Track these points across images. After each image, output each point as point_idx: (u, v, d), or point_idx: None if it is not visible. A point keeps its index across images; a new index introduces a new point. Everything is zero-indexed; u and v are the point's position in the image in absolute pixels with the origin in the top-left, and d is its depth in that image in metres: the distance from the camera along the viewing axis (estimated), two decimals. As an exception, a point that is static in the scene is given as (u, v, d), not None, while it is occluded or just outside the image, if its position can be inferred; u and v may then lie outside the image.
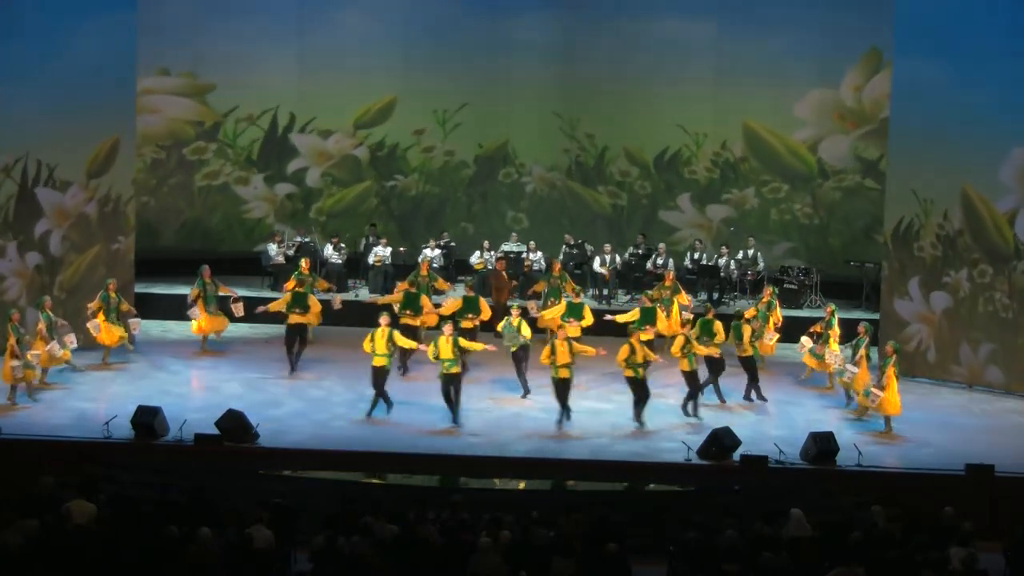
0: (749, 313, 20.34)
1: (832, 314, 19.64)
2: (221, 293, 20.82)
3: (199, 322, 20.76)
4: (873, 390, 17.72)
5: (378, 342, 17.68)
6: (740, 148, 26.69)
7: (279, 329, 20.93)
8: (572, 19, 27.06)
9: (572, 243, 24.57)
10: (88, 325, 19.71)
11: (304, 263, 21.35)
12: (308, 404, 18.34)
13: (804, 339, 19.70)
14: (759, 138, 26.69)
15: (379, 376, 17.77)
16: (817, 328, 19.64)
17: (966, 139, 20.10)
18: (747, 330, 19.09)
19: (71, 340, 19.03)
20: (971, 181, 20.21)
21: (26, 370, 17.76)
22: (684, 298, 21.17)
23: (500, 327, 18.78)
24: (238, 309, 20.99)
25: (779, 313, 20.44)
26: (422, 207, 27.34)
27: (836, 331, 19.47)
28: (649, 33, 26.71)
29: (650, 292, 20.78)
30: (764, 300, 20.46)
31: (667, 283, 21.01)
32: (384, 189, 27.59)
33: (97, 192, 21.25)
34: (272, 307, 20.05)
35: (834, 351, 19.18)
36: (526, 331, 18.55)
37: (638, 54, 26.76)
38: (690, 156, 26.96)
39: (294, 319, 19.80)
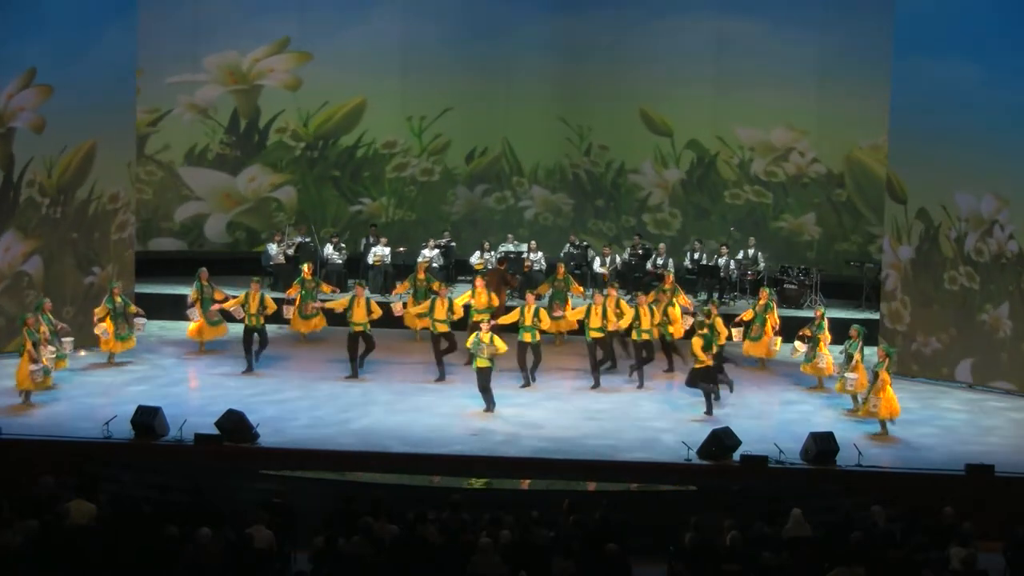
0: (747, 315, 20.45)
1: (822, 317, 19.60)
2: (217, 298, 20.75)
3: (197, 326, 20.74)
4: (847, 375, 18.08)
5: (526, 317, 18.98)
6: (796, 165, 24.96)
7: (278, 330, 21.05)
8: (590, 14, 25.37)
9: (576, 243, 24.53)
10: (96, 331, 19.67)
11: (307, 268, 21.38)
12: (308, 404, 18.32)
13: (797, 343, 19.65)
14: (868, 173, 24.72)
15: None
16: (807, 331, 19.60)
17: (996, 144, 19.14)
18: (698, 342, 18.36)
19: (68, 345, 19.03)
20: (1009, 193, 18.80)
21: (45, 376, 17.76)
22: (684, 299, 21.17)
23: (469, 343, 18.07)
24: (237, 312, 20.88)
25: (776, 315, 20.46)
26: (394, 237, 24.71)
27: (827, 335, 19.42)
28: (679, 30, 25.20)
29: (641, 293, 20.78)
30: (761, 303, 20.50)
31: (667, 285, 21.03)
32: (346, 217, 25.33)
33: (63, 210, 20.15)
34: (228, 305, 20.23)
35: (825, 355, 19.18)
36: (501, 345, 17.92)
37: (662, 54, 25.14)
38: (718, 162, 25.30)
39: (254, 321, 19.87)
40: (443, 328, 19.53)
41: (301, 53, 25.70)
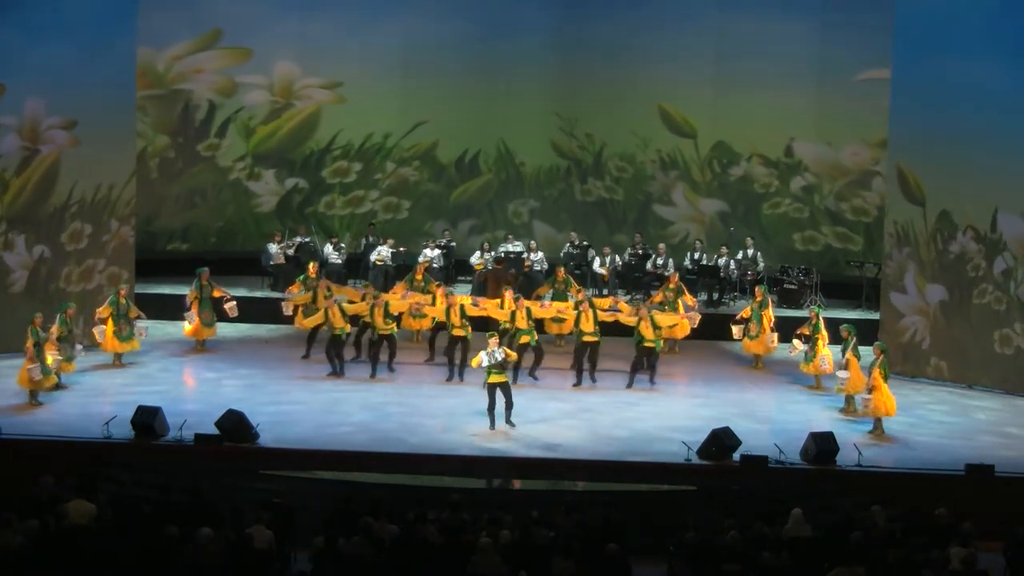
0: (744, 313, 20.64)
1: (817, 317, 19.60)
2: (216, 295, 20.73)
3: (193, 326, 20.70)
4: (839, 374, 17.96)
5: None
6: (881, 194, 21.48)
7: (278, 329, 21.05)
8: (594, 12, 23.53)
9: (576, 243, 24.46)
10: (94, 331, 19.62)
11: (312, 267, 21.37)
12: (308, 404, 18.31)
13: (795, 341, 19.70)
14: None
15: None
16: (805, 330, 19.63)
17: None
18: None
19: (80, 351, 18.98)
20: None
21: (45, 376, 17.70)
22: (689, 299, 21.18)
23: (476, 362, 17.39)
24: (232, 310, 20.89)
25: (771, 312, 20.50)
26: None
27: (824, 334, 19.44)
28: (698, 25, 23.31)
29: (653, 294, 20.84)
30: (757, 300, 20.64)
31: (671, 284, 21.14)
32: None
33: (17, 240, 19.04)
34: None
35: (826, 354, 19.21)
36: (511, 353, 17.50)
37: (677, 50, 23.25)
38: (751, 167, 23.48)
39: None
40: (461, 332, 19.38)
41: (238, 49, 22.27)
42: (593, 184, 24.85)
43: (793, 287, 23.51)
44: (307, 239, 24.44)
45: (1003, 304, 18.28)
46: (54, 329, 18.24)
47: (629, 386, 19.22)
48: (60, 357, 18.10)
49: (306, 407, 18.13)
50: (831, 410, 18.54)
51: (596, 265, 23.98)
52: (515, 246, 24.33)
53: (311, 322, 19.62)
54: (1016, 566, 13.10)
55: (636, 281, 23.76)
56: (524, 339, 19.20)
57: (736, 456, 16.18)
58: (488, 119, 25.22)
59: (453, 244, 24.69)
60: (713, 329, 21.59)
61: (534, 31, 25.12)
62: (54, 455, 15.88)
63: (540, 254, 24.07)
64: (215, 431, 16.29)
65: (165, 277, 23.58)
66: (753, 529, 13.22)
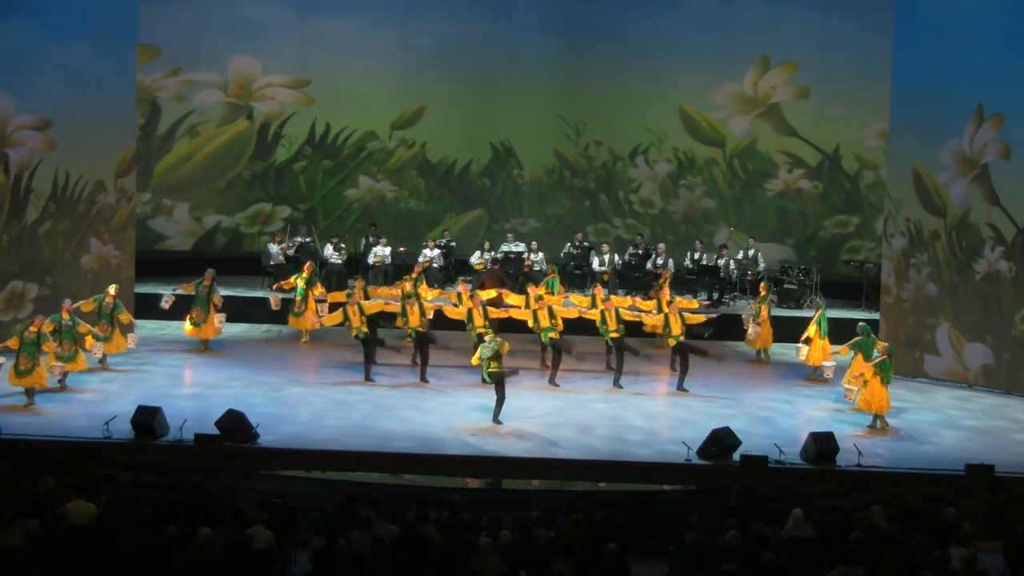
0: (753, 307, 20.95)
1: (819, 310, 19.91)
2: (214, 301, 20.61)
3: (192, 327, 20.64)
4: (848, 385, 17.98)
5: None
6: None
7: (278, 329, 20.97)
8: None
9: (578, 243, 24.42)
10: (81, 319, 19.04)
11: (308, 266, 21.34)
12: (309, 404, 18.31)
13: (802, 346, 19.81)
14: None
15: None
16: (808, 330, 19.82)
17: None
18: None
19: (96, 349, 18.88)
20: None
21: (30, 375, 17.65)
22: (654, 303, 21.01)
23: (474, 360, 17.58)
24: (219, 325, 20.68)
25: (765, 311, 20.64)
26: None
27: (812, 327, 19.64)
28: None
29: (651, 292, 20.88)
30: (760, 295, 21.00)
31: (662, 281, 21.31)
32: None
33: None
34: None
35: (809, 347, 19.51)
36: (505, 344, 17.67)
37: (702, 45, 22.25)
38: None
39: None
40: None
41: (142, 47, 19.57)
42: (611, 223, 24.07)
43: (793, 287, 23.52)
44: (307, 239, 24.44)
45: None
46: (33, 328, 17.72)
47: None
48: (59, 358, 18.05)
49: (306, 407, 18.14)
50: (830, 409, 18.55)
51: (596, 264, 23.96)
52: (516, 246, 24.33)
53: (330, 320, 19.58)
54: (1016, 566, 13.11)
55: (636, 281, 23.75)
56: (551, 335, 19.29)
57: (736, 456, 16.18)
58: (483, 123, 24.60)
59: (453, 244, 24.64)
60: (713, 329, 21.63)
61: (533, 28, 24.61)
62: (54, 455, 15.87)
63: (540, 254, 24.05)
64: (215, 431, 16.30)
65: (165, 277, 23.53)
66: (753, 529, 13.23)
